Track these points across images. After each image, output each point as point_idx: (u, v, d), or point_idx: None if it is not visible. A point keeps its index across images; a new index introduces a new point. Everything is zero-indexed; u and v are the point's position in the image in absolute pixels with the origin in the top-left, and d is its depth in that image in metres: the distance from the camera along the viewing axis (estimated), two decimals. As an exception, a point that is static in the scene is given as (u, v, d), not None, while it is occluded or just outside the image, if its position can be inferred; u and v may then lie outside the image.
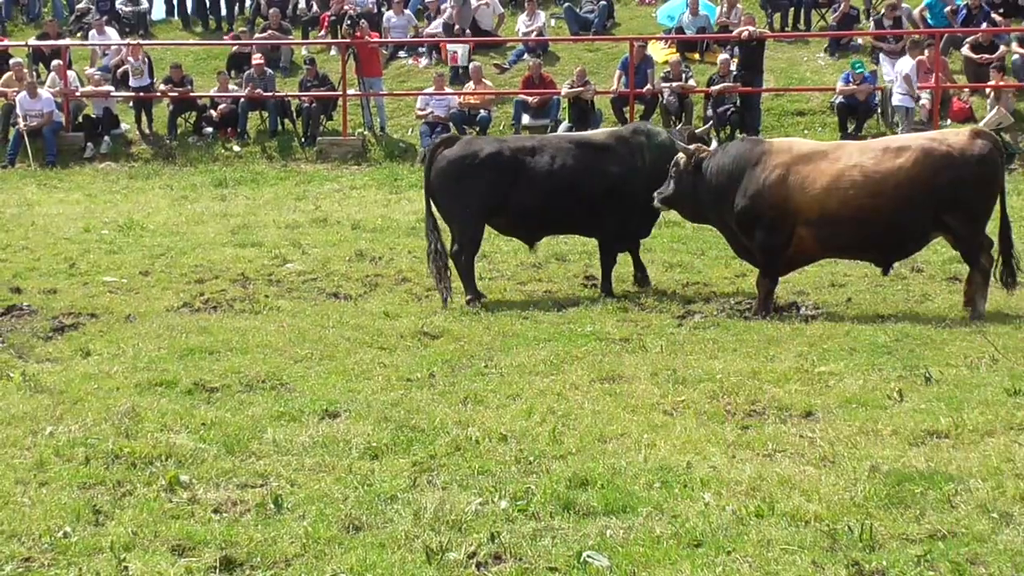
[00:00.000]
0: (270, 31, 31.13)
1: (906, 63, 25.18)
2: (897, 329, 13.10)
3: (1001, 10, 29.03)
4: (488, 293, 15.49)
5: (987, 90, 26.13)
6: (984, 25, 28.05)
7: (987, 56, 26.73)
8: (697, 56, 28.98)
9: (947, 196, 13.43)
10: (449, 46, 29.50)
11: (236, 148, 27.64)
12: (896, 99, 25.02)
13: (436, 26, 30.87)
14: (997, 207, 13.73)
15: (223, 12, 34.41)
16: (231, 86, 28.65)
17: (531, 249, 16.53)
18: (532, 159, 15.47)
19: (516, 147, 15.72)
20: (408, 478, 8.69)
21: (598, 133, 16.75)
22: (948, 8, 28.95)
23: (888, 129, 24.64)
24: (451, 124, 27.02)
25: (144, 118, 28.67)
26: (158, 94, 28.69)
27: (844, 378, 11.18)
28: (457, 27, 30.31)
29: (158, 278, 16.55)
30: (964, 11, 28.75)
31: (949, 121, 25.70)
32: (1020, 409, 10.00)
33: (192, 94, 28.66)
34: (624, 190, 15.32)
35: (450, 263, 15.35)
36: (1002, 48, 26.96)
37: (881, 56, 27.44)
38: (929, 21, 28.76)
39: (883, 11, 29.21)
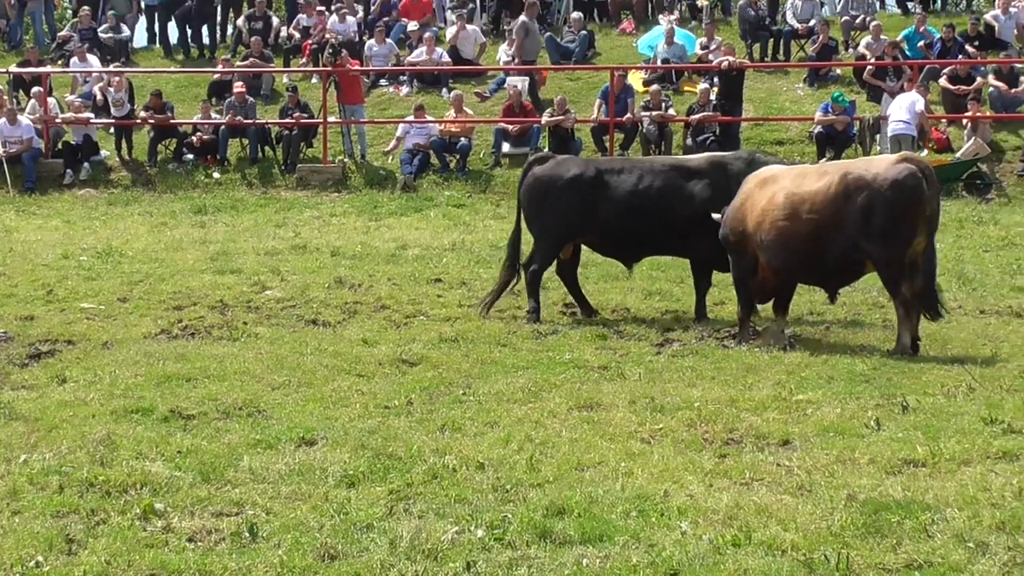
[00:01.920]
0: (251, 59, 31.14)
1: (905, 95, 25.25)
2: (874, 358, 13.13)
3: (976, 43, 29.16)
4: (466, 320, 15.47)
5: (964, 121, 26.24)
6: (960, 58, 28.17)
7: (964, 88, 26.84)
8: (666, 86, 28.84)
9: (859, 220, 13.23)
10: (508, 80, 29.34)
11: (216, 175, 27.61)
12: (895, 128, 24.97)
13: (418, 54, 30.88)
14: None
15: (205, 40, 34.41)
16: (212, 114, 28.63)
17: (629, 270, 16.84)
18: (618, 180, 15.78)
19: (604, 168, 16.13)
20: (384, 506, 8.66)
21: (696, 157, 16.85)
22: (923, 42, 29.08)
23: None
24: (431, 152, 27.04)
25: (124, 145, 28.62)
26: (138, 121, 28.65)
27: (822, 406, 11.18)
28: (517, 61, 30.21)
29: (136, 305, 16.49)
30: (939, 44, 28.88)
31: (926, 151, 25.79)
32: (997, 438, 10.01)
33: (172, 121, 28.61)
34: (701, 216, 15.32)
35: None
36: (979, 80, 27.10)
37: (884, 96, 27.35)
38: (907, 53, 28.88)
39: (861, 45, 29.37)
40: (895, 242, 13.21)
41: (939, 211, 13.55)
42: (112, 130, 28.87)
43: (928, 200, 13.13)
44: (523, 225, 16.27)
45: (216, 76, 30.71)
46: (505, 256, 16.32)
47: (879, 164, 13.58)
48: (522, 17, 30.54)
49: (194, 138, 28.34)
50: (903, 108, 24.98)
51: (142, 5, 34.94)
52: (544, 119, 26.84)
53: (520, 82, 28.82)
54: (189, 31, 34.42)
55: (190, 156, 28.38)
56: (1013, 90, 26.97)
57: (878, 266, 13.46)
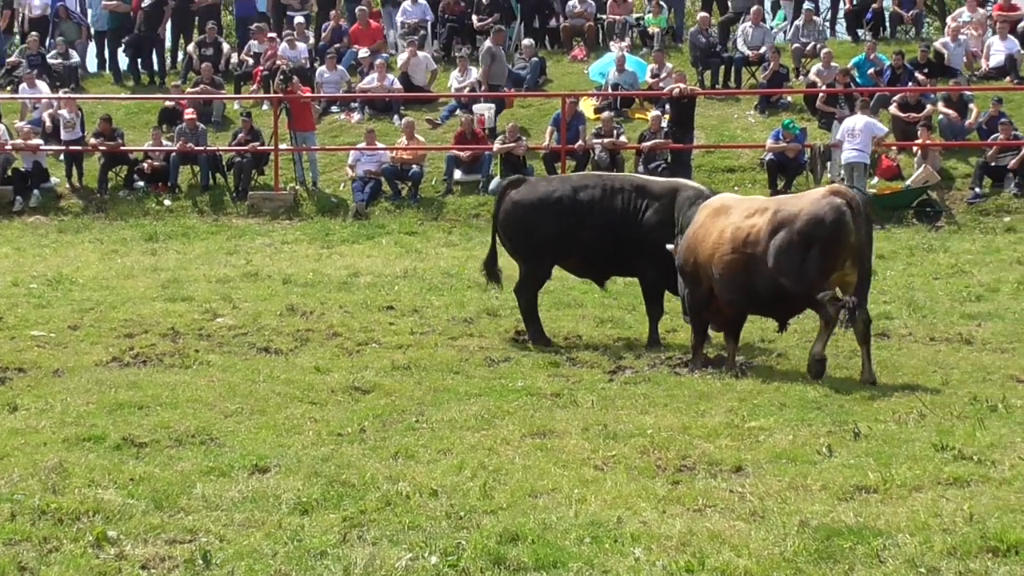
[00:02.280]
0: (202, 85, 31.06)
1: (858, 119, 25.35)
2: (827, 385, 13.19)
3: (925, 70, 29.38)
4: (419, 348, 15.47)
5: (914, 149, 26.41)
6: (910, 85, 28.39)
7: (914, 115, 27.02)
8: (608, 113, 28.76)
9: (784, 253, 13.29)
10: (476, 107, 29.38)
11: (167, 202, 27.48)
12: (848, 156, 25.10)
13: (369, 81, 30.88)
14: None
15: (155, 66, 34.31)
16: (163, 140, 28.52)
17: (602, 288, 17.14)
18: (591, 200, 16.00)
19: (578, 186, 16.31)
20: (338, 533, 8.65)
21: (659, 180, 16.93)
22: (873, 69, 29.27)
23: (816, 187, 24.77)
24: (383, 179, 27.03)
25: (75, 172, 28.46)
26: (89, 147, 28.50)
27: (774, 433, 11.23)
28: (484, 87, 30.23)
29: (87, 332, 16.41)
30: (889, 72, 29.08)
31: (876, 179, 25.96)
32: (947, 464, 10.08)
33: (123, 148, 28.48)
34: (655, 241, 15.50)
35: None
36: (928, 107, 27.29)
37: (835, 123, 27.42)
38: (857, 80, 29.07)
39: (811, 72, 29.58)
40: (811, 276, 13.26)
41: (870, 243, 13.46)
42: (62, 157, 28.67)
43: (851, 234, 13.14)
44: (498, 248, 16.63)
45: (167, 103, 30.58)
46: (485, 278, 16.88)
47: (806, 199, 13.72)
48: (488, 43, 30.60)
49: (145, 165, 28.20)
50: (855, 133, 25.09)
51: (91, 31, 34.81)
52: (496, 146, 26.88)
53: (487, 109, 28.87)
54: (139, 57, 34.25)
55: (141, 183, 28.22)
56: (966, 122, 27.14)
57: (798, 299, 13.59)
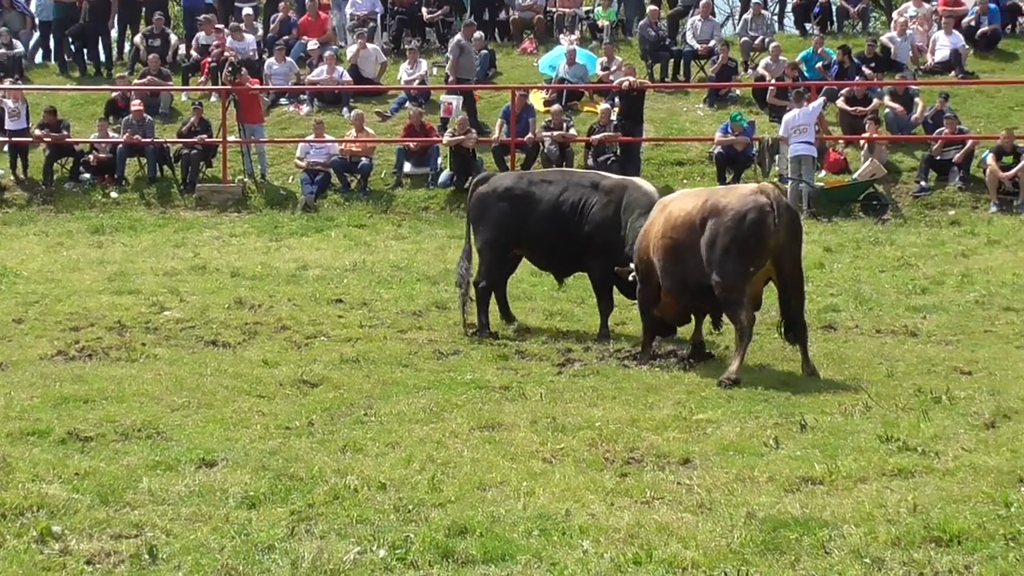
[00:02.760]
0: (149, 77, 30.89)
1: (803, 113, 25.37)
2: (773, 377, 13.27)
3: (872, 64, 29.54)
4: (368, 341, 15.45)
5: (861, 142, 26.55)
6: (857, 79, 28.53)
7: (861, 109, 27.18)
8: (557, 106, 28.68)
9: (709, 245, 13.27)
10: (442, 97, 29.29)
11: (114, 194, 27.30)
12: (796, 149, 25.11)
13: (319, 73, 30.79)
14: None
15: (102, 57, 34.10)
16: (110, 132, 28.35)
17: (560, 286, 17.31)
18: (544, 194, 16.19)
19: (537, 181, 16.59)
20: (286, 527, 8.63)
21: (613, 177, 16.83)
22: (821, 63, 29.40)
23: (764, 180, 24.86)
24: (331, 171, 26.96)
25: (19, 163, 28.24)
26: (33, 139, 28.26)
27: (721, 425, 11.28)
28: (452, 78, 30.09)
29: (32, 326, 16.29)
30: (836, 66, 29.21)
31: (824, 172, 26.07)
32: (892, 456, 10.16)
33: (68, 139, 28.29)
34: (604, 238, 15.65)
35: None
36: (875, 101, 27.43)
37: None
38: (805, 74, 29.17)
39: (760, 66, 29.70)
40: (732, 272, 13.17)
41: (795, 242, 13.33)
42: (7, 148, 28.44)
43: (770, 235, 13.02)
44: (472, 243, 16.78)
45: (113, 94, 30.39)
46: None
47: (734, 193, 13.62)
48: (458, 36, 30.46)
49: (91, 157, 28.02)
50: (800, 128, 25.12)
51: (36, 21, 34.57)
52: (445, 139, 26.84)
53: (455, 100, 28.79)
54: (86, 48, 34.02)
55: (87, 175, 28.03)
56: (912, 116, 27.29)
57: (716, 293, 13.38)
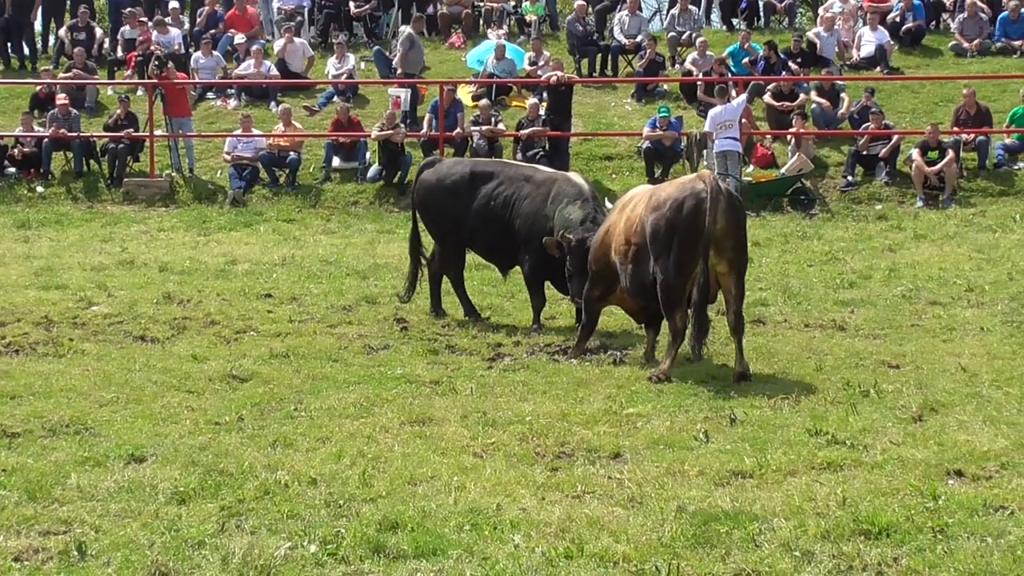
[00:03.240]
0: (75, 70, 30.64)
1: (728, 109, 25.42)
2: (703, 371, 13.31)
3: (798, 60, 29.71)
4: (297, 336, 15.40)
5: (788, 137, 26.70)
6: (783, 74, 28.70)
7: (788, 104, 27.33)
8: (485, 101, 28.63)
9: (652, 240, 13.09)
10: (391, 91, 29.13)
11: (40, 189, 27.09)
12: (721, 145, 25.13)
13: (246, 67, 30.64)
14: None
15: (26, 51, 33.78)
16: (35, 126, 28.08)
17: (504, 277, 17.35)
18: (483, 185, 16.38)
19: (476, 172, 16.74)
20: (216, 523, 8.61)
21: (544, 171, 16.95)
22: (748, 58, 29.54)
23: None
24: (259, 165, 26.84)
25: (-57, 158, 27.98)
26: (-44, 133, 28.02)
27: (652, 420, 11.33)
28: (400, 71, 29.96)
29: (-42, 321, 16.17)
30: (763, 61, 29.36)
31: (751, 167, 26.19)
32: (821, 449, 10.24)
33: (-7, 134, 28.05)
34: (531, 230, 15.76)
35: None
36: (802, 96, 27.60)
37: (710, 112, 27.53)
38: (732, 69, 29.31)
39: (687, 61, 29.82)
40: (672, 266, 12.94)
41: (735, 232, 13.03)
42: (-70, 143, 28.18)
43: (710, 224, 12.69)
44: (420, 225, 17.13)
45: (38, 88, 30.12)
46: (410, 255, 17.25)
47: (674, 184, 13.49)
48: (408, 28, 30.41)
49: (15, 151, 27.76)
50: (726, 124, 25.17)
51: (-41, 14, 34.24)
52: (374, 133, 26.77)
53: (404, 93, 28.65)
54: (8, 42, 33.68)
55: (12, 169, 27.79)
56: (838, 111, 27.49)
57: (658, 287, 13.12)
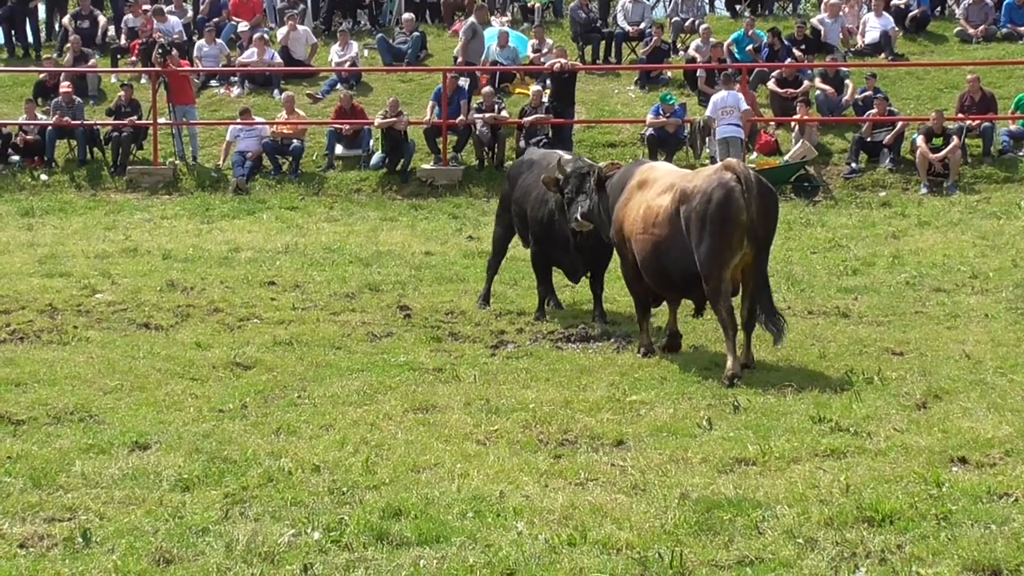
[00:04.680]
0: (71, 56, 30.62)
1: (729, 95, 25.37)
2: (706, 358, 13.32)
3: (803, 46, 29.68)
4: (300, 323, 15.40)
5: (792, 124, 26.68)
6: (787, 61, 28.66)
7: (792, 91, 27.29)
8: (489, 88, 28.55)
9: (688, 233, 12.76)
10: (461, 81, 28.89)
11: (43, 177, 27.10)
12: (723, 131, 25.09)
13: (249, 55, 30.63)
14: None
15: (30, 38, 33.77)
16: (38, 114, 28.08)
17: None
18: (523, 173, 16.27)
19: (524, 160, 16.88)
20: (220, 510, 8.62)
21: (554, 153, 16.52)
22: (752, 45, 29.50)
23: (696, 162, 24.95)
24: (263, 154, 26.83)
25: (-54, 146, 27.97)
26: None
27: (655, 407, 11.33)
28: (461, 61, 29.90)
29: (-38, 309, 16.18)
30: (767, 48, 29.32)
31: (755, 154, 26.17)
32: (824, 436, 10.23)
33: (-4, 121, 28.04)
34: (532, 214, 15.81)
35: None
36: (806, 83, 27.56)
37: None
38: (736, 56, 29.28)
39: (691, 48, 29.79)
40: (711, 256, 12.59)
41: (767, 220, 12.80)
42: (-67, 131, 28.17)
43: (741, 211, 12.45)
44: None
45: (42, 76, 30.10)
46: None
47: (701, 175, 13.13)
48: (471, 19, 30.35)
49: (19, 139, 27.76)
50: (728, 110, 25.15)
51: (-39, 2, 34.24)
52: (377, 121, 26.74)
53: (464, 82, 28.49)
54: (12, 30, 33.66)
55: (16, 157, 27.80)
56: (842, 98, 27.46)
57: (703, 280, 12.79)
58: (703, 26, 30.52)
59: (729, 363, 12.56)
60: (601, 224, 14.34)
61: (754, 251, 12.70)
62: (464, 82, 28.43)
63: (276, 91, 29.84)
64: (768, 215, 12.82)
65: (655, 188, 13.54)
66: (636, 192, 13.76)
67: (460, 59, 29.66)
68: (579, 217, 14.33)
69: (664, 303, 14.23)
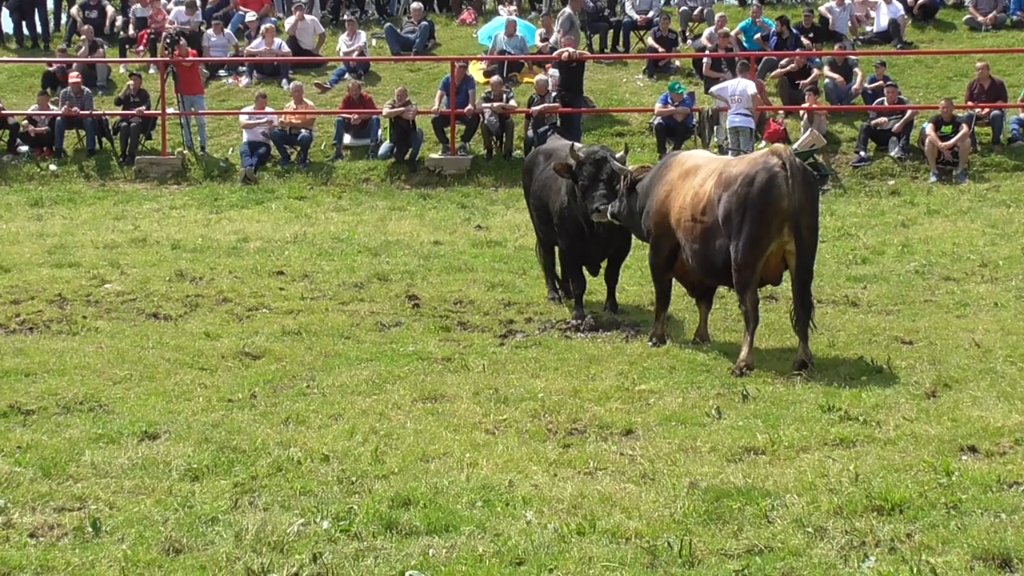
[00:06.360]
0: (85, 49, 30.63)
1: (740, 83, 25.34)
2: (715, 347, 13.31)
3: (811, 35, 29.63)
4: (309, 313, 15.40)
5: (801, 112, 26.64)
6: (796, 50, 28.61)
7: (801, 79, 27.24)
8: (497, 78, 28.49)
9: (725, 220, 12.56)
10: (538, 78, 28.16)
11: (53, 167, 27.11)
12: (733, 120, 25.06)
13: (257, 45, 30.63)
14: None
15: (39, 29, 33.78)
16: (48, 104, 28.05)
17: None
18: (540, 165, 16.18)
19: (541, 150, 16.80)
20: (229, 499, 8.64)
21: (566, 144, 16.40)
22: (760, 34, 29.45)
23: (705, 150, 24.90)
24: (271, 143, 26.82)
25: (-44, 136, 27.98)
26: (-32, 111, 27.99)
27: (664, 396, 11.34)
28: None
29: (-29, 299, 16.19)
30: (775, 37, 29.28)
31: (764, 143, 26.11)
32: (834, 425, 10.24)
33: (4, 112, 28.02)
34: (541, 203, 15.89)
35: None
36: (815, 72, 27.51)
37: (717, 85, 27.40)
38: (744, 45, 29.24)
39: (703, 36, 29.74)
40: (746, 244, 12.38)
41: (810, 211, 12.49)
42: (-57, 121, 28.17)
43: (783, 197, 12.20)
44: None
45: (51, 66, 30.11)
46: None
47: (746, 160, 12.95)
48: (567, 9, 30.20)
49: (28, 129, 27.77)
50: (738, 98, 25.10)
51: (-29, -7, 34.24)
52: (385, 110, 26.71)
53: (551, 77, 27.93)
54: (22, 20, 33.66)
55: (25, 148, 27.80)
56: (851, 86, 27.41)
57: (733, 267, 12.59)
58: (718, 14, 30.46)
59: (743, 353, 12.52)
60: (631, 225, 14.36)
61: (796, 244, 12.43)
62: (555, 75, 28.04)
63: (284, 81, 29.83)
64: (812, 205, 12.58)
65: (701, 175, 13.32)
66: (681, 181, 13.48)
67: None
68: (608, 215, 14.35)
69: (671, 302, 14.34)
